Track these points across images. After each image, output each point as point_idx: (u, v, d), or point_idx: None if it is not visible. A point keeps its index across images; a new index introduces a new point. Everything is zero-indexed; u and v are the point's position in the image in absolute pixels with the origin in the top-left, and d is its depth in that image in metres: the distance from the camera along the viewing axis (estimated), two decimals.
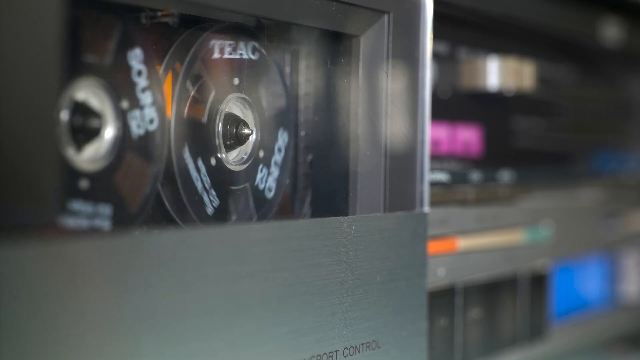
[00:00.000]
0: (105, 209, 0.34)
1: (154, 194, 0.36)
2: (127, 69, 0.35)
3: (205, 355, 0.33)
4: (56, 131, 0.31)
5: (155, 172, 0.36)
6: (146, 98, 0.36)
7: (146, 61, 0.36)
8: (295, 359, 0.36)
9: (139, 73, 0.36)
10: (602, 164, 0.70)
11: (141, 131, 0.36)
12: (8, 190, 0.28)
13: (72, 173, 0.33)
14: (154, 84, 0.36)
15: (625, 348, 0.71)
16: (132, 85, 0.35)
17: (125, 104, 0.35)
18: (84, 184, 0.33)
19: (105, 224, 0.34)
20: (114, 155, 0.34)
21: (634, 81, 0.74)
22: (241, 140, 0.40)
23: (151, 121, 0.36)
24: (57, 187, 0.30)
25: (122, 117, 0.35)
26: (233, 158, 0.40)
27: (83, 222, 0.33)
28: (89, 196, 0.34)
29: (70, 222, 0.33)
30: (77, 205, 0.33)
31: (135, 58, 0.35)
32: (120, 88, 0.35)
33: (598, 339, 0.68)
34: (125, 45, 0.35)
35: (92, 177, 0.34)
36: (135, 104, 0.35)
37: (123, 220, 0.35)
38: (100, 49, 0.34)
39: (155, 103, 0.36)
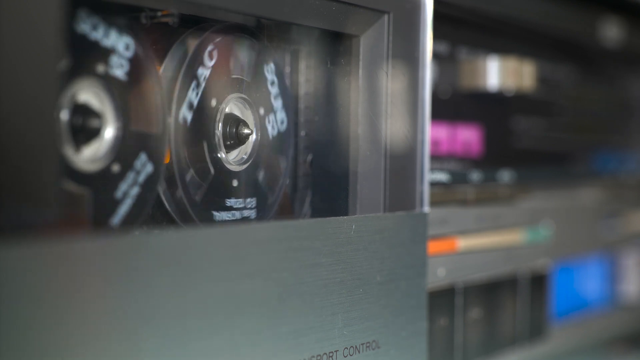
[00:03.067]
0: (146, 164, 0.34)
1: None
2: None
3: (206, 355, 0.33)
4: (56, 131, 0.31)
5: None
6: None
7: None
8: (295, 359, 0.36)
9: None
10: (602, 164, 0.70)
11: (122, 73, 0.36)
12: (8, 190, 0.28)
13: (72, 173, 0.33)
14: (156, 86, 0.36)
15: (625, 348, 0.71)
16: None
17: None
18: (84, 183, 0.33)
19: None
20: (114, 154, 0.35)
21: (634, 81, 0.74)
22: (241, 140, 0.40)
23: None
24: (57, 187, 0.30)
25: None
26: (233, 158, 0.40)
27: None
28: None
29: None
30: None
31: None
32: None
33: (598, 339, 0.68)
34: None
35: (92, 176, 0.34)
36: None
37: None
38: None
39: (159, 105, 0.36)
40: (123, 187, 0.35)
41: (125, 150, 0.35)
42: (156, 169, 0.36)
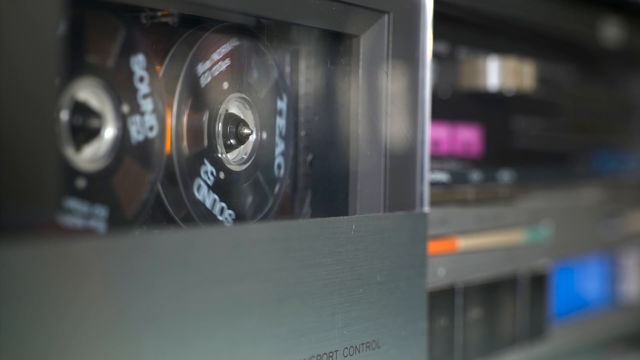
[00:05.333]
0: (102, 210, 0.34)
1: (151, 199, 0.36)
2: (128, 69, 0.35)
3: (206, 355, 0.33)
4: (56, 131, 0.31)
5: (153, 179, 0.36)
6: (147, 104, 0.36)
7: (146, 61, 0.36)
8: (295, 359, 0.36)
9: (140, 77, 0.36)
10: (602, 164, 0.70)
11: (140, 137, 0.36)
12: (8, 190, 0.28)
13: (72, 173, 0.33)
14: (155, 86, 0.36)
15: (625, 348, 0.71)
16: (133, 88, 0.35)
17: (125, 108, 0.35)
18: (83, 184, 0.33)
19: (101, 225, 0.34)
20: (113, 156, 0.35)
21: (634, 81, 0.74)
22: (241, 140, 0.40)
23: (151, 128, 0.36)
24: (57, 187, 0.30)
25: (122, 120, 0.35)
26: (233, 158, 0.40)
27: (81, 222, 0.33)
28: (88, 196, 0.34)
29: (69, 221, 0.33)
30: (75, 205, 0.33)
31: (136, 58, 0.35)
32: (120, 89, 0.35)
33: (598, 339, 0.68)
34: (124, 46, 0.35)
35: (91, 177, 0.34)
36: (135, 108, 0.35)
37: (119, 222, 0.35)
38: (100, 48, 0.34)
39: (156, 109, 0.36)
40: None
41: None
42: (156, 170, 0.36)
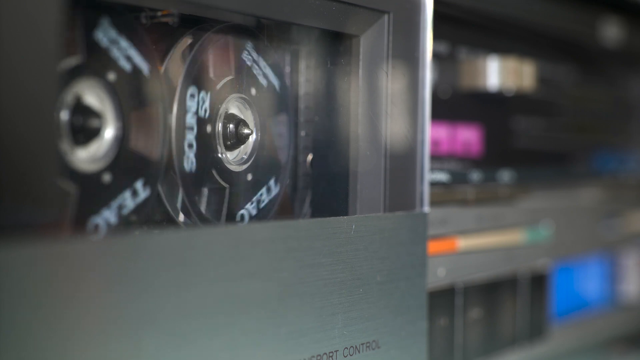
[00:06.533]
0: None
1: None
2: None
3: (206, 355, 0.33)
4: (56, 131, 0.31)
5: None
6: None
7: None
8: (295, 359, 0.36)
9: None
10: (602, 164, 0.70)
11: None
12: (8, 190, 0.28)
13: (72, 173, 0.33)
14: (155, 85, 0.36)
15: (625, 348, 0.71)
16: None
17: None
18: (83, 183, 0.33)
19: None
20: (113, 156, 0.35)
21: (634, 81, 0.74)
22: (241, 140, 0.40)
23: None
24: (57, 187, 0.30)
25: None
26: (233, 158, 0.40)
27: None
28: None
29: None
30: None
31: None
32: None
33: (598, 339, 0.68)
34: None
35: (91, 176, 0.34)
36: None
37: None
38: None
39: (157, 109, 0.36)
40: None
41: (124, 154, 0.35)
42: (155, 171, 0.36)
